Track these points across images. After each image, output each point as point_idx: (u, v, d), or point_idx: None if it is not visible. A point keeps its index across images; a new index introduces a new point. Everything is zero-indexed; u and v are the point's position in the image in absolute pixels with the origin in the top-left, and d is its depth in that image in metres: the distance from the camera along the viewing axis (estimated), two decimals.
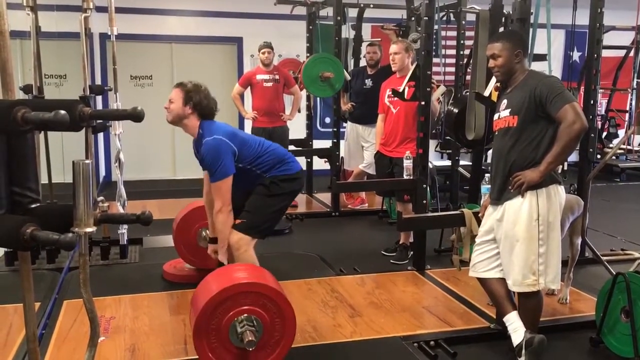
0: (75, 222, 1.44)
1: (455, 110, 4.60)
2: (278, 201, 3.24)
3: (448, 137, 5.92)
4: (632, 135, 4.18)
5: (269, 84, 5.80)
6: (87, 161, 1.43)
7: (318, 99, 7.54)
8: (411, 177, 4.14)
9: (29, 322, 1.55)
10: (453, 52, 5.77)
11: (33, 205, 1.51)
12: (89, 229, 1.45)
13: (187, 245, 3.86)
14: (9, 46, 1.46)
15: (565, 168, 3.49)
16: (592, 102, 4.09)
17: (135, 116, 1.50)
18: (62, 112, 1.29)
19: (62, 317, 3.21)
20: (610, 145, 8.32)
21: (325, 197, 6.39)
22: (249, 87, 5.89)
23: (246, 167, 3.17)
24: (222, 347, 2.45)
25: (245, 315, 2.44)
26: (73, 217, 1.44)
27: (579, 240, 3.52)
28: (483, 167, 4.44)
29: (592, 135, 4.07)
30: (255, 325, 2.44)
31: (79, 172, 1.42)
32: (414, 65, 4.12)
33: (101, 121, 3.86)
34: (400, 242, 4.50)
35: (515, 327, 2.74)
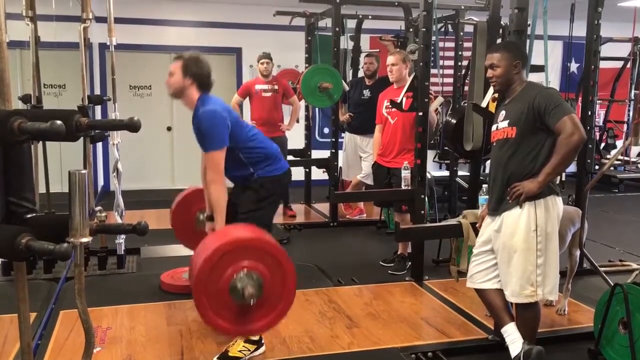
0: (70, 232, 1.43)
1: (453, 121, 4.61)
2: (267, 207, 3.20)
3: (446, 148, 5.94)
4: (629, 146, 4.18)
5: (268, 94, 5.81)
6: (83, 171, 1.43)
7: (317, 109, 7.55)
8: (409, 188, 4.14)
9: (24, 334, 1.54)
10: (451, 63, 5.80)
11: (29, 215, 1.50)
12: (84, 239, 1.45)
13: (185, 229, 3.76)
14: (6, 56, 1.46)
15: (563, 179, 3.49)
16: (589, 113, 4.11)
17: (132, 126, 1.50)
18: (58, 122, 1.29)
19: (59, 327, 3.20)
20: (608, 156, 8.33)
21: (324, 207, 6.38)
22: (247, 97, 5.91)
23: (236, 150, 3.09)
24: (223, 304, 2.39)
25: (245, 270, 2.38)
26: (69, 227, 1.44)
27: (577, 252, 3.51)
28: (481, 178, 4.44)
29: (590, 146, 4.08)
30: (255, 280, 2.38)
31: (75, 182, 1.42)
32: (411, 76, 4.13)
33: (99, 131, 3.86)
34: (399, 253, 4.50)
35: (513, 339, 2.73)
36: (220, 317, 2.42)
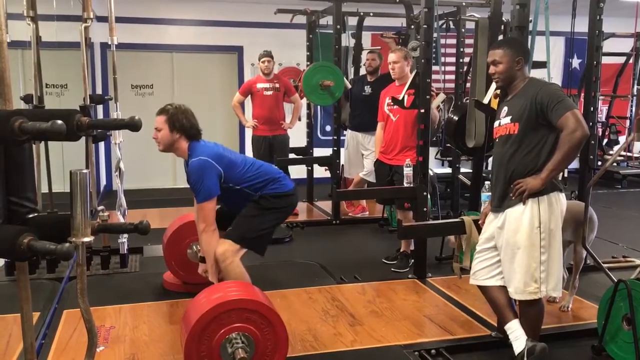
0: (72, 232, 1.44)
1: (455, 118, 4.61)
2: (268, 215, 3.24)
3: (448, 145, 5.94)
4: (632, 142, 4.17)
5: (269, 93, 5.81)
6: (84, 171, 1.43)
7: (318, 107, 7.55)
8: (411, 185, 4.13)
9: (27, 333, 1.54)
10: (453, 59, 5.79)
11: (30, 215, 1.50)
12: (86, 239, 1.45)
13: (177, 260, 3.80)
14: (7, 56, 1.46)
15: (566, 175, 3.49)
16: (592, 109, 4.09)
17: (133, 125, 1.50)
18: (59, 122, 1.29)
19: (62, 326, 3.21)
20: (611, 152, 8.31)
21: (326, 205, 6.38)
22: (249, 96, 5.91)
23: (235, 187, 3.18)
24: None
25: (235, 333, 2.45)
26: (70, 226, 1.44)
27: (583, 249, 3.48)
28: (483, 175, 4.43)
29: (593, 142, 4.06)
30: (245, 342, 2.45)
31: (76, 182, 1.42)
32: (413, 73, 4.12)
33: (101, 130, 3.87)
34: (401, 250, 4.49)
35: (517, 335, 2.73)
36: None
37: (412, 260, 4.32)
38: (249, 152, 6.57)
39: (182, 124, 3.10)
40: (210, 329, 2.43)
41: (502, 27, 4.28)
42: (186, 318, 2.58)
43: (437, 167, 7.44)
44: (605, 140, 8.69)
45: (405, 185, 4.17)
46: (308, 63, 6.24)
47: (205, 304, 2.51)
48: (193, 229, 3.62)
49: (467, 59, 5.66)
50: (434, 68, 4.09)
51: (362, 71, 6.21)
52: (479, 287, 2.96)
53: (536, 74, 3.11)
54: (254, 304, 2.51)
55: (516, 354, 2.70)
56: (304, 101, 6.32)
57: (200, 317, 2.43)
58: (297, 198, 3.41)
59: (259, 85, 5.83)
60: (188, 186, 3.17)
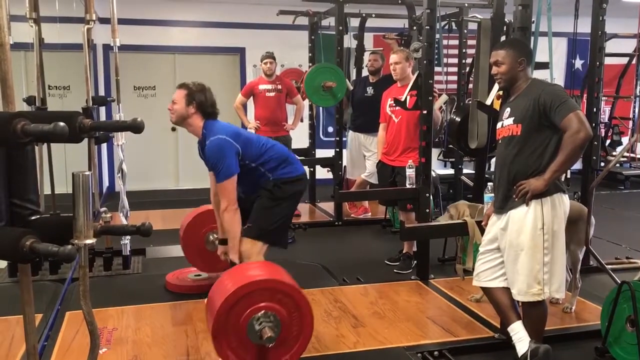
0: (75, 234, 1.44)
1: (458, 119, 4.60)
2: (283, 205, 3.24)
3: (451, 146, 5.93)
4: (635, 143, 4.15)
5: (272, 94, 5.81)
6: (87, 173, 1.43)
7: (320, 108, 7.55)
8: (414, 186, 4.13)
9: (29, 335, 1.54)
10: (455, 60, 5.78)
11: (33, 217, 1.50)
12: (88, 241, 1.45)
13: (196, 251, 3.85)
14: (9, 58, 1.46)
15: (569, 176, 3.48)
16: (595, 110, 4.09)
17: (135, 127, 1.50)
18: (61, 124, 1.28)
19: (65, 328, 3.21)
20: (614, 153, 8.29)
21: (328, 206, 6.38)
22: (251, 97, 5.90)
23: (251, 165, 3.17)
24: (241, 346, 2.43)
25: (263, 312, 2.42)
26: (73, 228, 1.44)
27: (578, 249, 3.45)
28: (486, 176, 4.42)
29: (596, 143, 4.06)
30: (273, 321, 2.42)
31: (78, 184, 1.42)
32: (415, 74, 4.12)
33: (104, 132, 3.87)
34: (404, 252, 4.49)
35: (520, 337, 2.72)
36: (239, 357, 2.45)
37: (415, 262, 4.31)
38: None
39: (200, 101, 3.11)
40: (242, 305, 2.41)
41: (505, 28, 4.27)
42: (218, 290, 2.55)
43: (439, 168, 7.43)
44: (608, 141, 8.67)
45: (408, 186, 4.16)
46: (310, 64, 6.25)
47: (240, 279, 2.49)
48: (207, 219, 3.63)
49: (469, 60, 5.66)
50: (437, 69, 4.08)
51: (364, 72, 6.20)
52: (482, 288, 2.95)
53: (539, 74, 3.10)
54: (287, 287, 2.49)
55: (519, 355, 2.69)
56: (306, 102, 6.32)
57: (235, 291, 2.40)
58: (307, 181, 3.42)
59: (261, 87, 5.83)
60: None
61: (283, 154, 3.29)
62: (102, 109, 6.84)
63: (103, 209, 3.96)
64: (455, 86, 5.88)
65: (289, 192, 3.25)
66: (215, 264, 3.67)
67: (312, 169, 6.59)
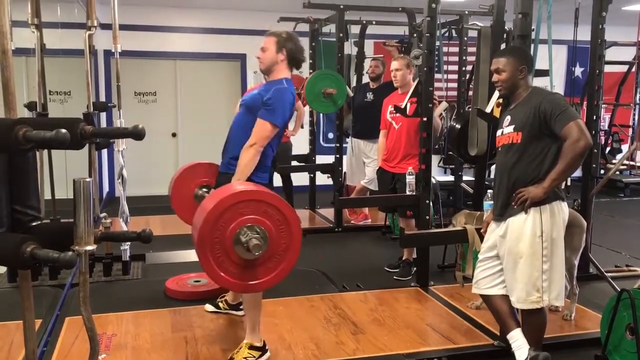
0: (75, 240, 1.44)
1: (458, 126, 4.61)
2: None
3: (451, 153, 5.94)
4: (635, 151, 4.17)
5: None
6: (87, 179, 1.43)
7: (321, 114, 7.56)
8: (414, 193, 4.13)
9: (29, 341, 1.54)
10: (455, 68, 5.80)
11: (34, 223, 1.50)
12: (89, 247, 1.45)
13: (185, 206, 3.57)
14: (11, 65, 1.47)
15: (569, 184, 3.48)
16: (594, 117, 4.10)
17: (136, 134, 1.51)
18: (63, 130, 1.29)
19: (64, 334, 3.20)
20: (614, 161, 8.30)
21: (328, 212, 6.38)
22: None
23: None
24: (228, 260, 2.36)
25: (249, 224, 2.34)
26: (73, 235, 1.44)
27: (572, 255, 3.42)
28: (486, 183, 4.43)
29: (595, 150, 4.06)
30: (260, 233, 2.34)
31: (79, 191, 1.42)
32: (415, 82, 4.13)
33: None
34: (404, 258, 4.49)
35: (520, 345, 2.72)
36: (225, 272, 2.37)
37: (415, 269, 4.31)
38: None
39: (290, 49, 3.04)
40: (227, 217, 2.33)
41: (505, 35, 4.29)
42: (203, 206, 2.46)
43: (439, 175, 7.42)
44: (608, 149, 8.67)
45: (408, 193, 4.17)
46: (311, 71, 6.25)
47: (224, 193, 2.42)
48: (199, 172, 3.53)
49: (469, 68, 5.67)
50: (437, 76, 4.09)
51: (365, 79, 6.22)
52: (482, 295, 2.95)
53: (539, 82, 3.11)
54: (272, 198, 2.40)
55: None
56: (307, 109, 6.33)
57: (219, 203, 2.33)
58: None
59: None
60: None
61: (269, 158, 3.09)
62: (103, 115, 6.85)
63: (103, 214, 3.97)
64: (455, 93, 5.90)
65: None
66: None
67: (312, 175, 6.60)
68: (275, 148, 3.09)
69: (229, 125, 3.19)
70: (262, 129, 2.91)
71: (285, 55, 3.03)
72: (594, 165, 4.09)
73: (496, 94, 3.20)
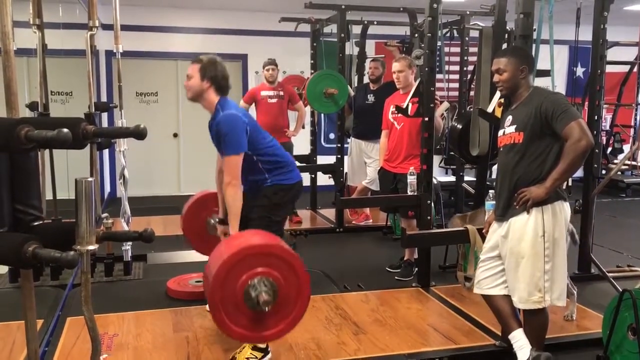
0: (77, 240, 1.44)
1: (459, 126, 4.61)
2: (280, 211, 3.21)
3: (452, 153, 5.94)
4: (637, 151, 4.16)
5: (274, 100, 5.82)
6: (89, 179, 1.43)
7: (322, 115, 7.56)
8: (415, 193, 4.13)
9: (31, 341, 1.54)
10: (456, 68, 5.80)
11: (36, 223, 1.51)
12: (91, 247, 1.45)
13: (197, 234, 3.73)
14: (13, 65, 1.47)
15: (570, 184, 3.48)
16: (596, 117, 4.09)
17: (138, 134, 1.51)
18: (65, 130, 1.29)
19: (65, 334, 3.21)
20: (615, 161, 8.29)
21: (330, 213, 6.37)
22: (253, 104, 5.92)
23: (252, 156, 3.10)
24: (238, 311, 2.41)
25: (260, 277, 2.40)
26: (75, 235, 1.44)
27: None
28: (487, 183, 4.43)
29: (597, 150, 4.06)
30: (268, 286, 2.40)
31: (81, 191, 1.42)
32: (417, 82, 4.13)
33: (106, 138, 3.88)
34: (405, 259, 4.48)
35: (521, 345, 2.72)
36: (236, 324, 2.43)
37: (416, 269, 4.31)
38: None
39: (213, 75, 3.08)
40: (235, 272, 2.39)
41: (506, 35, 4.29)
42: (212, 261, 2.53)
43: (441, 175, 7.43)
44: (610, 149, 8.67)
45: (409, 193, 4.17)
46: (312, 71, 6.26)
47: (231, 247, 2.48)
48: (207, 204, 3.57)
49: (471, 68, 5.67)
50: (438, 76, 4.09)
51: (366, 79, 6.22)
52: (483, 296, 2.95)
53: (540, 82, 3.11)
54: (279, 250, 2.47)
55: None
56: (308, 109, 6.33)
57: (226, 260, 2.38)
58: (302, 185, 3.34)
59: (263, 93, 5.84)
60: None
61: (283, 157, 3.23)
62: (105, 115, 6.86)
63: (105, 214, 3.97)
64: (456, 93, 5.90)
65: (285, 199, 3.23)
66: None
67: (313, 176, 6.60)
68: (275, 149, 3.17)
69: None
70: (229, 165, 3.01)
71: (210, 82, 3.09)
72: (596, 166, 4.08)
73: (498, 94, 3.20)
